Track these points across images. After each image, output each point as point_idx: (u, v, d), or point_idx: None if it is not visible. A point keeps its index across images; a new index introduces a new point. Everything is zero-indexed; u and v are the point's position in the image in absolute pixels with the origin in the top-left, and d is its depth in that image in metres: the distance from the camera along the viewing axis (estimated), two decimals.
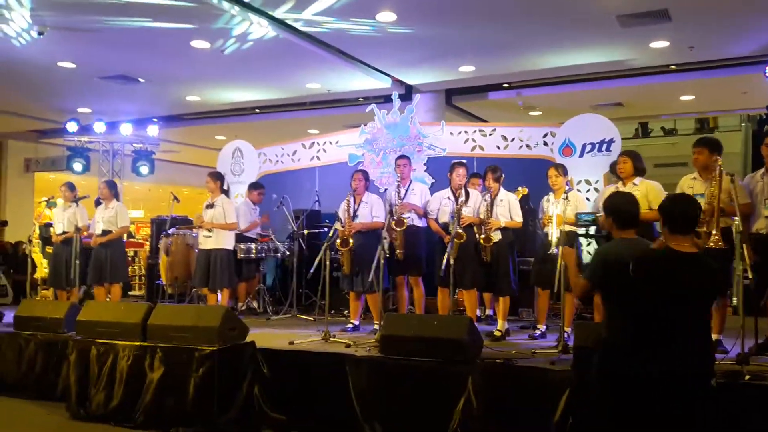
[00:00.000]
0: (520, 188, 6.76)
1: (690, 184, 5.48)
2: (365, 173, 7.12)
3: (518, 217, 6.39)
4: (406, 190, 6.89)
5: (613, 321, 3.50)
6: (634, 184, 5.69)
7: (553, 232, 5.84)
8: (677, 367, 3.15)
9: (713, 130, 15.49)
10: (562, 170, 6.21)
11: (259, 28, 8.12)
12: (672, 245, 3.32)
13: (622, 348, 3.29)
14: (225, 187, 7.94)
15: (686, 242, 3.33)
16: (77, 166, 12.26)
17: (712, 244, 4.70)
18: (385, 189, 8.23)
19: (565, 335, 5.36)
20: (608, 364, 3.36)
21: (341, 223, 6.74)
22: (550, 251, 5.75)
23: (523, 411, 4.49)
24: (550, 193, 6.23)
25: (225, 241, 7.50)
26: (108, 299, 7.90)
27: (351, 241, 6.61)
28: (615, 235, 3.80)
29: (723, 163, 5.15)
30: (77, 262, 7.72)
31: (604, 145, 7.73)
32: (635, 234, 3.74)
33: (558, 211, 5.84)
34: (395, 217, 6.57)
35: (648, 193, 5.57)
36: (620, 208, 3.79)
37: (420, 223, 6.84)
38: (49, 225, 9.89)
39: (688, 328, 3.20)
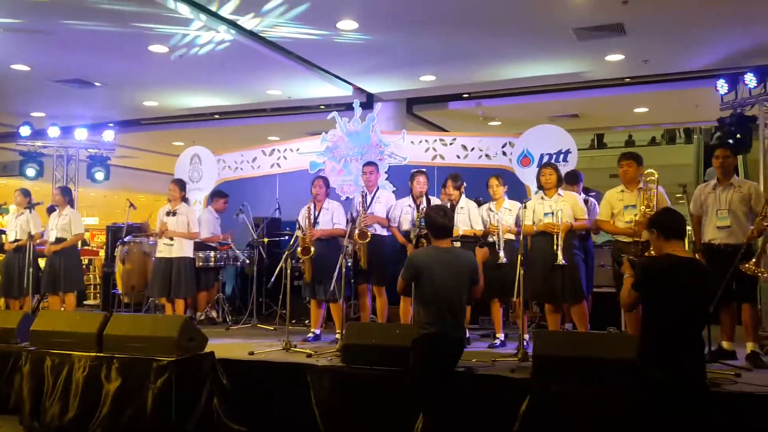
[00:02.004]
0: (482, 201, 6.86)
1: (619, 197, 5.71)
2: (326, 180, 7.11)
3: (478, 225, 6.45)
4: (372, 198, 6.89)
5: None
6: (559, 194, 5.90)
7: (500, 241, 6.04)
8: (681, 367, 3.57)
9: (674, 141, 15.89)
10: (503, 180, 6.52)
11: (219, 34, 8.06)
12: (669, 251, 3.74)
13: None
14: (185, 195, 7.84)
15: (681, 247, 3.75)
16: (30, 171, 11.99)
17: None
18: (347, 197, 8.23)
19: (524, 343, 5.43)
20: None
21: (302, 230, 6.70)
22: (499, 261, 5.90)
23: (483, 419, 4.52)
24: (491, 203, 6.48)
25: (186, 249, 7.41)
26: (62, 308, 7.73)
27: (312, 248, 6.58)
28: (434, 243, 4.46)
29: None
30: (30, 270, 7.54)
31: (561, 155, 7.85)
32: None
33: (506, 219, 6.18)
34: (358, 230, 6.56)
35: (573, 204, 5.88)
36: (435, 221, 4.33)
37: (384, 232, 6.84)
38: (2, 232, 9.64)
39: (689, 329, 3.61)
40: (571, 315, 5.89)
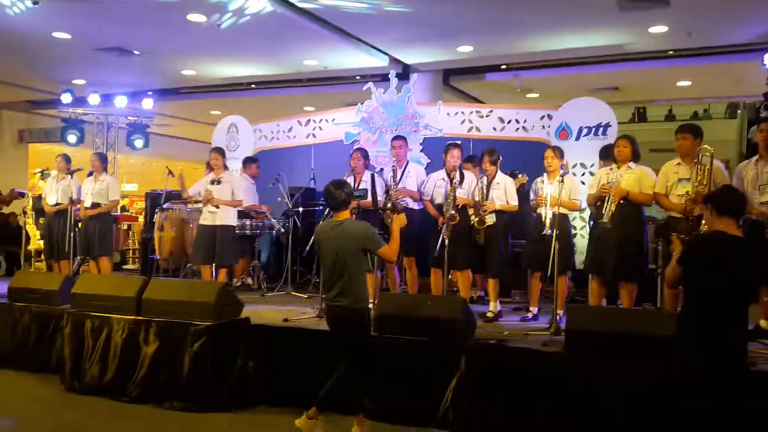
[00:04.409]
0: (520, 176, 6.76)
1: (674, 169, 5.54)
2: (364, 151, 7.10)
3: (514, 201, 6.40)
4: (402, 173, 6.85)
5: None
6: (629, 167, 5.74)
7: (547, 213, 5.87)
8: (720, 346, 3.53)
9: (710, 116, 15.52)
10: (559, 152, 6.27)
11: (256, 3, 8.05)
12: (719, 228, 3.69)
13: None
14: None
15: (732, 226, 3.68)
16: (71, 137, 12.22)
17: (702, 230, 4.76)
18: (381, 169, 8.22)
19: (558, 317, 5.42)
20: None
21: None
22: (544, 232, 5.78)
23: (514, 391, 4.54)
24: (544, 174, 6.28)
25: (231, 217, 7.45)
26: (98, 272, 7.91)
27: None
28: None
29: (715, 150, 5.21)
30: (71, 234, 7.72)
31: (601, 129, 7.72)
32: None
33: (553, 193, 5.90)
34: (390, 203, 6.55)
35: (641, 176, 5.67)
36: (329, 194, 4.44)
37: (415, 205, 6.82)
38: (39, 197, 9.85)
39: (731, 307, 3.56)
40: (620, 290, 5.79)
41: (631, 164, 5.75)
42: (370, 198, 6.72)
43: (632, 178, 5.65)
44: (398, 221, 4.69)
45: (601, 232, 5.68)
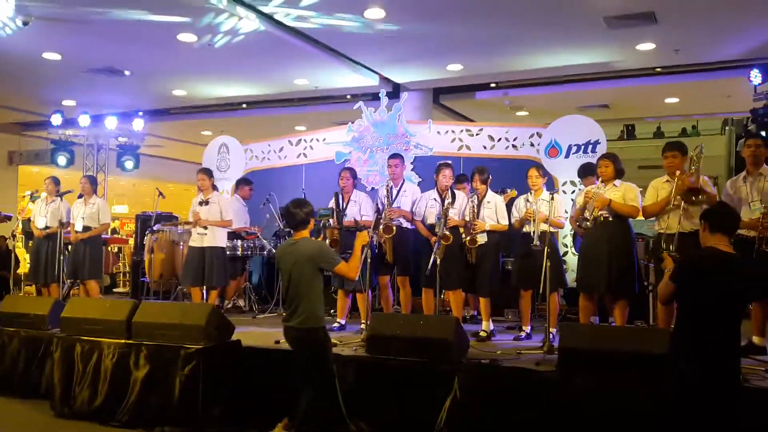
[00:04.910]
0: (509, 191, 6.78)
1: (663, 186, 5.55)
2: (353, 171, 7.11)
3: (504, 220, 6.41)
4: (398, 191, 6.84)
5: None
6: (615, 185, 5.78)
7: (536, 229, 5.95)
8: (714, 362, 3.57)
9: (698, 133, 15.64)
10: (542, 171, 6.41)
11: (247, 23, 8.09)
12: (711, 244, 3.77)
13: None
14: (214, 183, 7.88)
15: (724, 242, 3.75)
16: (61, 159, 12.20)
17: None
18: (372, 188, 8.22)
19: (551, 336, 5.40)
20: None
21: (330, 221, 6.71)
22: (534, 243, 5.83)
23: (508, 410, 4.51)
24: (529, 193, 6.34)
25: (220, 238, 7.43)
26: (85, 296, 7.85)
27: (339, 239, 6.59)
28: None
29: (704, 166, 5.24)
30: (60, 257, 7.67)
31: (590, 147, 7.76)
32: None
33: (543, 210, 6.00)
34: (383, 223, 6.54)
35: (626, 191, 5.72)
36: (287, 213, 4.48)
37: (408, 224, 6.81)
38: (28, 221, 9.79)
39: (724, 324, 3.60)
40: (614, 309, 5.78)
41: (617, 182, 5.81)
42: (359, 218, 6.73)
43: (618, 195, 5.70)
44: (360, 239, 4.70)
45: (590, 248, 5.72)
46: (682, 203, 5.27)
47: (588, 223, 5.55)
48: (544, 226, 6.02)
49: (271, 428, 4.53)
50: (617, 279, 5.55)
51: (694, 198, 5.23)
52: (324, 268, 4.42)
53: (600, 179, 5.88)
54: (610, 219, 5.64)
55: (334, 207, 6.77)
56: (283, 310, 4.63)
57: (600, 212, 5.62)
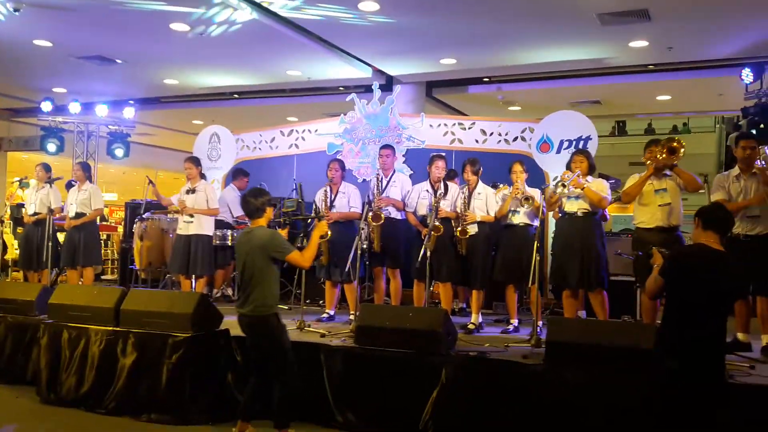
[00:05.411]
0: (501, 186, 6.80)
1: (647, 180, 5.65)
2: (341, 163, 7.09)
3: (494, 212, 6.43)
4: (388, 182, 6.84)
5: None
6: (587, 180, 5.91)
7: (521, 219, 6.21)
8: (699, 357, 3.61)
9: (689, 130, 15.73)
10: (525, 167, 6.47)
11: (240, 13, 8.05)
12: (702, 240, 3.80)
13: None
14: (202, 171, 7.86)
15: (714, 239, 3.78)
16: (51, 146, 12.11)
17: None
18: (364, 180, 8.21)
19: (538, 329, 5.42)
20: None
21: (318, 212, 6.70)
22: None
23: (495, 403, 4.53)
24: (510, 187, 6.39)
25: (206, 226, 7.41)
26: (80, 283, 7.82)
27: (329, 232, 6.58)
28: None
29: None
30: (49, 244, 7.63)
31: (581, 143, 7.77)
32: None
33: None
34: (372, 211, 6.55)
35: (597, 186, 5.90)
36: (244, 202, 4.47)
37: (399, 215, 6.81)
38: (21, 206, 9.75)
39: (710, 319, 3.63)
40: (591, 302, 5.87)
41: (589, 178, 5.96)
42: (348, 210, 6.74)
43: (591, 189, 5.84)
44: (318, 228, 4.71)
45: (562, 243, 5.94)
46: (655, 181, 5.55)
47: (564, 189, 5.71)
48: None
49: (258, 418, 4.52)
50: (587, 271, 5.71)
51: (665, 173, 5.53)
52: (275, 257, 4.38)
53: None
54: (579, 215, 5.83)
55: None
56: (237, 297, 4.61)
57: (571, 208, 5.87)
